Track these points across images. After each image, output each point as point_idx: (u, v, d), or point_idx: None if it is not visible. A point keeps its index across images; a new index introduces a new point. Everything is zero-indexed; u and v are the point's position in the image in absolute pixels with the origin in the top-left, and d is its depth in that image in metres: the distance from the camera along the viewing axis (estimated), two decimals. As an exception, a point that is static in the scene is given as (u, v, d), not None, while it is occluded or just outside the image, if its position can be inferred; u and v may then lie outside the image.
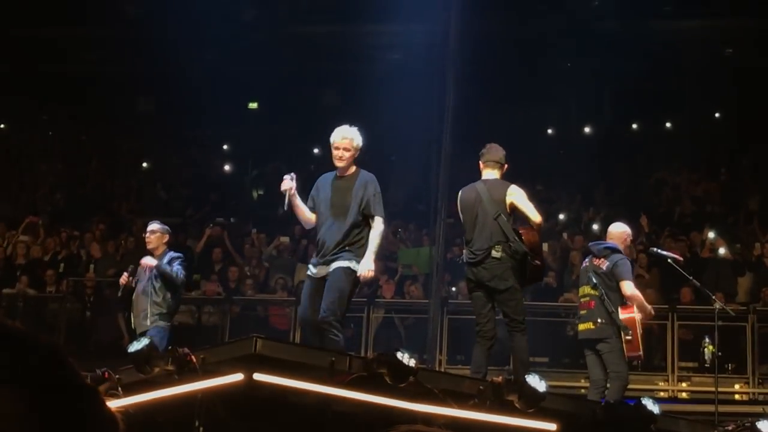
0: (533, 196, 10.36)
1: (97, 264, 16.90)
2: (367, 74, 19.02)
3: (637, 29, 20.63)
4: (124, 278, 10.69)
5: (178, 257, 10.62)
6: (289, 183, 8.08)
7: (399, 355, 6.47)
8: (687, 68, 21.49)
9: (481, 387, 7.09)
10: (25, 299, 16.44)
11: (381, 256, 17.16)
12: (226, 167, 23.18)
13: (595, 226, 17.80)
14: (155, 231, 10.73)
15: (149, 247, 10.74)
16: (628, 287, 9.56)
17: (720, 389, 11.99)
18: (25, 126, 23.73)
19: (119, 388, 6.63)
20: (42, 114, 23.87)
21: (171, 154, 23.67)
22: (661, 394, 14.00)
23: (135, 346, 6.67)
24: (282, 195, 8.13)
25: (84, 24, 22.14)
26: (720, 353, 12.64)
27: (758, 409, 12.84)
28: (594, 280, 9.62)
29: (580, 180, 20.14)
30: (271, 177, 22.08)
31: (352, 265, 7.86)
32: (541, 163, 20.38)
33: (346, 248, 7.90)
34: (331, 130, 8.26)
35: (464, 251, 8.78)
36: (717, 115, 22.89)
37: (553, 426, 7.09)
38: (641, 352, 9.63)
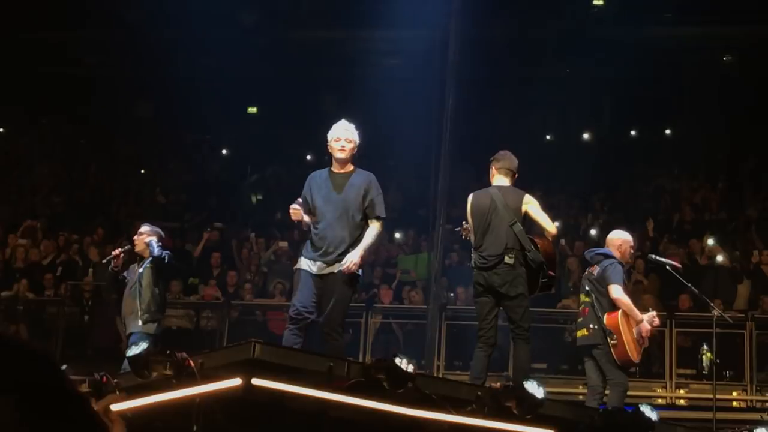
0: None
1: (95, 268, 16.90)
2: (367, 80, 19.02)
3: (637, 36, 20.64)
4: (117, 251, 10.82)
5: (160, 247, 10.71)
6: (298, 212, 8.01)
7: (397, 360, 6.47)
8: (686, 75, 21.51)
9: (479, 393, 7.09)
10: (25, 303, 16.46)
11: (380, 262, 17.24)
12: (225, 172, 23.18)
13: (594, 233, 17.82)
14: (141, 233, 10.84)
15: (137, 249, 10.85)
16: (615, 290, 9.55)
17: (718, 396, 11.98)
18: (23, 130, 23.73)
19: (117, 392, 6.62)
20: (41, 118, 23.87)
21: (170, 159, 23.67)
22: (659, 401, 14.02)
23: (133, 350, 6.67)
24: (297, 221, 8.10)
25: (83, 28, 22.13)
26: (718, 360, 12.65)
27: (756, 416, 12.85)
28: (587, 287, 9.74)
29: (579, 186, 20.15)
30: (270, 182, 22.14)
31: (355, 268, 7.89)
32: (539, 169, 20.39)
33: (350, 250, 7.86)
34: (331, 136, 8.24)
35: (473, 256, 8.73)
36: (716, 122, 22.90)
37: (551, 432, 7.10)
38: (632, 357, 9.56)
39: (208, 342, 14.81)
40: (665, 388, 14.37)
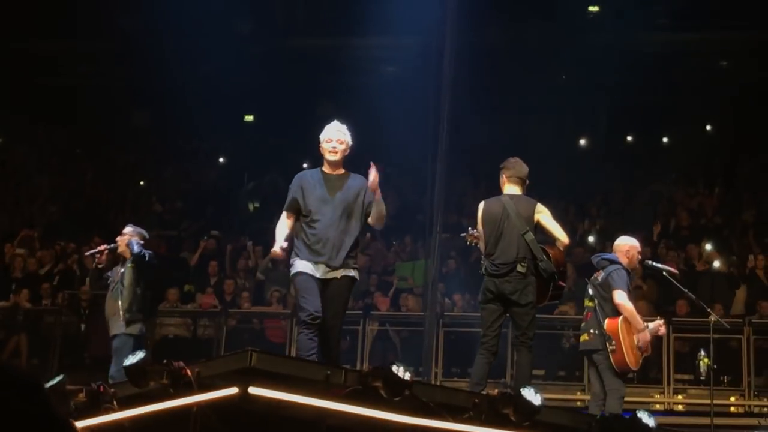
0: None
1: (92, 277, 16.85)
2: (363, 87, 19.05)
3: (633, 42, 20.68)
4: (102, 246, 10.84)
5: (141, 245, 10.72)
6: (281, 255, 7.95)
7: (394, 368, 6.45)
8: (682, 81, 21.54)
9: (476, 400, 7.08)
10: (23, 313, 16.43)
11: (377, 269, 17.24)
12: (222, 180, 23.18)
13: (591, 239, 17.83)
14: (124, 234, 10.87)
15: (119, 250, 10.87)
16: (618, 296, 9.55)
17: (715, 402, 11.98)
18: (20, 139, 23.73)
19: (114, 402, 6.61)
20: (37, 127, 23.86)
21: (166, 167, 23.67)
22: (657, 406, 14.02)
23: (130, 360, 6.66)
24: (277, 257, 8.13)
25: (79, 37, 22.16)
26: (715, 366, 12.63)
27: (753, 421, 12.89)
28: (591, 292, 9.76)
29: (575, 192, 20.15)
30: (267, 190, 22.13)
31: (356, 274, 7.89)
32: (536, 175, 20.37)
33: (351, 254, 7.84)
34: (327, 143, 8.21)
35: (485, 263, 8.69)
36: (712, 127, 22.93)
37: (548, 439, 7.09)
38: (630, 364, 9.54)
39: (205, 350, 14.79)
40: (663, 393, 14.36)
